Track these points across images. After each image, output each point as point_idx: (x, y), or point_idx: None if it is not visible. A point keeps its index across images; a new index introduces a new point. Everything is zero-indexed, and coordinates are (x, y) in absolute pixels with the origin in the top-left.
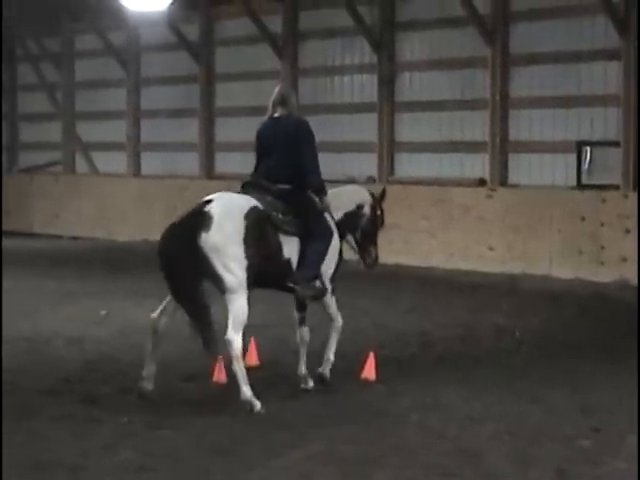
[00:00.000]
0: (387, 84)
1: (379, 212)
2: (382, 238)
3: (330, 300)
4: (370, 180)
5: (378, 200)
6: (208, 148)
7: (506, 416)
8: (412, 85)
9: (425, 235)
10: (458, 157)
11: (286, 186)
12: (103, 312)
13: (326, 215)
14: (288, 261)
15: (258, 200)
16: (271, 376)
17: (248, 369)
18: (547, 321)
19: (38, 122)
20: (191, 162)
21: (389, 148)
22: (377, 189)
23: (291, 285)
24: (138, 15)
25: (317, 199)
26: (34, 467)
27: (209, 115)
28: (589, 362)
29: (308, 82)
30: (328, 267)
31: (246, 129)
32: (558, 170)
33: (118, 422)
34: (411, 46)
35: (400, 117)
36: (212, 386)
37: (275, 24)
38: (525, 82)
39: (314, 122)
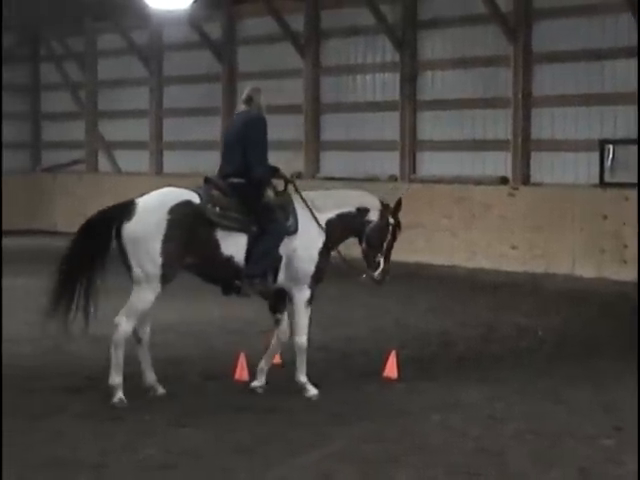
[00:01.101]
0: (409, 82)
1: (391, 222)
2: (403, 237)
3: (300, 307)
4: (392, 179)
5: (392, 210)
6: None
7: (528, 415)
8: (434, 83)
9: (447, 234)
10: (480, 155)
11: (237, 180)
12: None
13: (284, 211)
14: (229, 258)
15: (203, 195)
16: (293, 375)
17: (270, 367)
18: (569, 320)
19: (61, 121)
20: (213, 160)
21: (411, 147)
22: (399, 187)
23: (236, 282)
24: (161, 14)
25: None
26: (56, 465)
27: (231, 113)
28: (612, 361)
29: (330, 81)
30: (306, 267)
31: (268, 127)
32: (580, 168)
33: (140, 420)
34: (433, 44)
35: (422, 115)
36: (234, 384)
37: (297, 23)
38: (548, 80)
39: (336, 120)
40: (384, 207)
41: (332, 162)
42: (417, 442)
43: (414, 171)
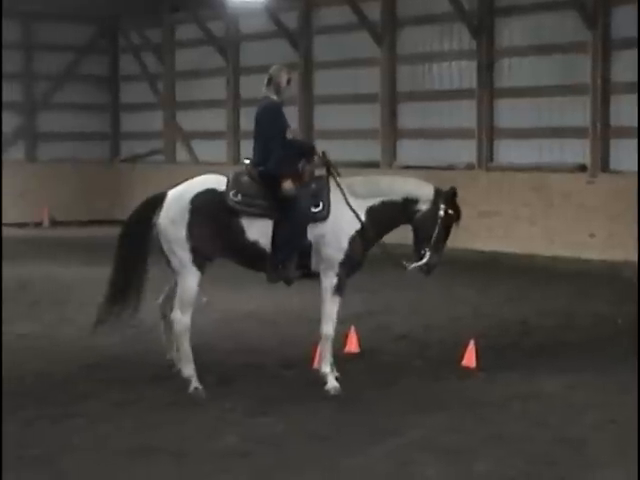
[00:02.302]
0: (486, 70)
1: (441, 213)
2: (481, 225)
3: (326, 295)
4: (469, 167)
5: (444, 199)
6: (307, 136)
7: (608, 405)
8: (512, 71)
9: (525, 222)
10: (558, 143)
11: (260, 168)
12: (204, 299)
13: (313, 198)
14: (254, 243)
15: (230, 182)
16: (371, 364)
17: (349, 356)
18: None
19: (140, 112)
20: None
21: (488, 135)
22: (476, 176)
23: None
24: (238, 4)
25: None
26: (140, 452)
27: (308, 103)
28: None
29: (407, 69)
30: (334, 254)
31: (345, 117)
32: None
33: (219, 408)
34: (510, 31)
35: (499, 103)
36: (312, 373)
37: (374, 11)
38: (627, 66)
39: (413, 109)
40: (436, 196)
41: (409, 151)
42: (496, 431)
43: (491, 159)
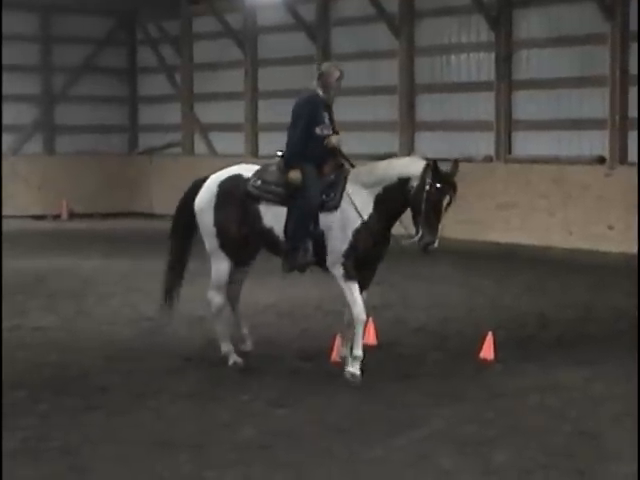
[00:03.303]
0: (504, 62)
1: (429, 186)
2: (499, 217)
3: (341, 283)
4: (487, 159)
5: (433, 173)
6: None
7: (627, 397)
8: (530, 62)
9: (543, 214)
10: (577, 135)
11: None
12: None
13: (322, 186)
14: (269, 230)
15: (258, 170)
16: (389, 356)
17: (367, 348)
18: None
19: (158, 104)
20: None
21: (507, 126)
22: (494, 168)
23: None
24: None
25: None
26: (158, 444)
27: None
28: None
29: (425, 61)
30: (338, 245)
31: (363, 109)
32: None
33: (238, 400)
34: (529, 23)
35: (518, 95)
36: (331, 365)
37: (391, 3)
38: None
39: (431, 101)
40: (423, 171)
41: (427, 143)
42: (514, 423)
43: (509, 151)
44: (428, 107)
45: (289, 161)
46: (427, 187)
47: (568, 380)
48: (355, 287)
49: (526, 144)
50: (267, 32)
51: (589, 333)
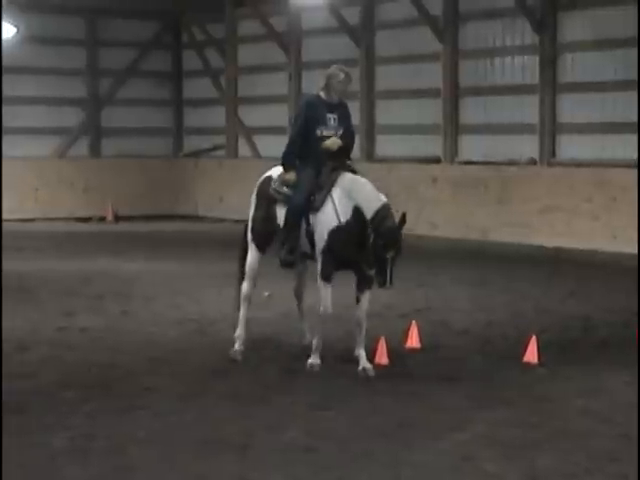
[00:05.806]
0: (549, 65)
1: (374, 241)
2: (543, 220)
3: (318, 279)
4: (532, 162)
5: (380, 224)
6: (369, 131)
7: None
8: (574, 66)
9: (587, 218)
10: (621, 138)
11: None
12: (266, 294)
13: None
14: (279, 229)
15: (282, 172)
16: (432, 359)
17: (410, 351)
18: None
19: (202, 107)
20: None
21: (551, 130)
22: (538, 171)
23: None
24: (300, 0)
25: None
26: (203, 444)
27: (370, 98)
28: None
29: (469, 64)
30: (318, 244)
31: (406, 112)
32: None
33: (283, 402)
34: (573, 26)
35: (562, 98)
36: (374, 368)
37: (436, 6)
38: None
39: (475, 104)
40: (370, 220)
41: (471, 146)
42: (559, 427)
43: (554, 154)
44: (472, 110)
45: (283, 160)
46: (371, 239)
47: (612, 384)
48: (327, 285)
49: (570, 147)
50: (311, 35)
51: (633, 337)
